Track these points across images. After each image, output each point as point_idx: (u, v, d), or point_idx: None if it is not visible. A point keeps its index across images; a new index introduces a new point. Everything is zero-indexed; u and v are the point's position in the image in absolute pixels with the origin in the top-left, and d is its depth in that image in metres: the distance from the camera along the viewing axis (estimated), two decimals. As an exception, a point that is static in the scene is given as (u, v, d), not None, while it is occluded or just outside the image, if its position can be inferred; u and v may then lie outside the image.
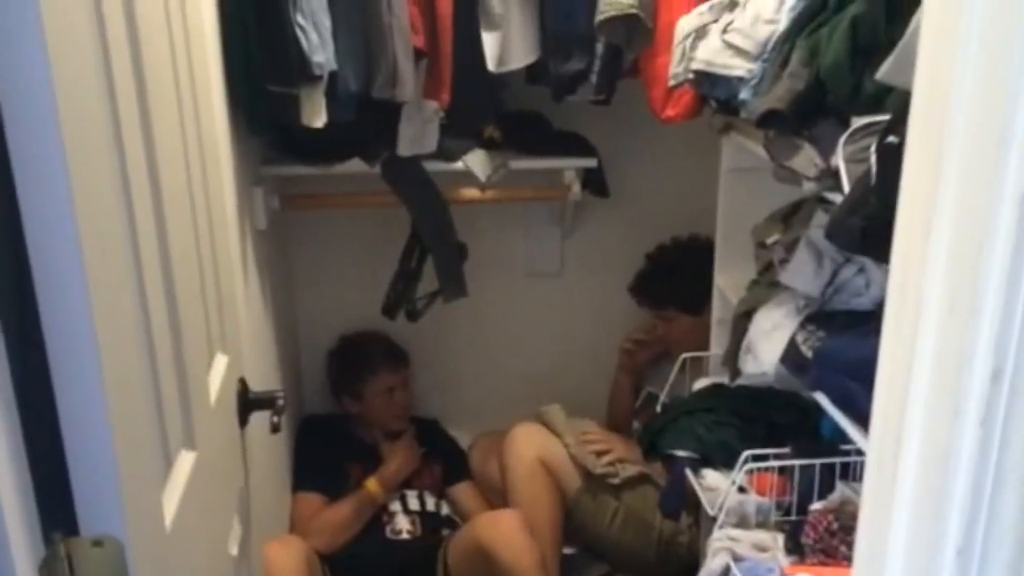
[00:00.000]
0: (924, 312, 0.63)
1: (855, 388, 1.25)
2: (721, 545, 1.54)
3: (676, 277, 2.29)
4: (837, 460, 1.57)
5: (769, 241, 1.68)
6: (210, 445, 1.04)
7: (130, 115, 0.83)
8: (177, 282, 0.96)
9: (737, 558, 1.50)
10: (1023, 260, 0.57)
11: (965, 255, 0.60)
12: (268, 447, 1.91)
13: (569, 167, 2.28)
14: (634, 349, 2.49)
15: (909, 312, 0.65)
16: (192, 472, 0.94)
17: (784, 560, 1.48)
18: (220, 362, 1.18)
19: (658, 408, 2.02)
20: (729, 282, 1.93)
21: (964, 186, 0.62)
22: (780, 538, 1.53)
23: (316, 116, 1.75)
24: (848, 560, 1.27)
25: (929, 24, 0.67)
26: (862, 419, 1.20)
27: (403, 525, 2.26)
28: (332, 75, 1.74)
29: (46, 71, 0.63)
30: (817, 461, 1.57)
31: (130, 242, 0.82)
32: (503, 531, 2.02)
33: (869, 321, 1.35)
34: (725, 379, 1.81)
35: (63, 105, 0.64)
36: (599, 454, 2.25)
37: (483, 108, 2.13)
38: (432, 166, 2.12)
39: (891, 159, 0.98)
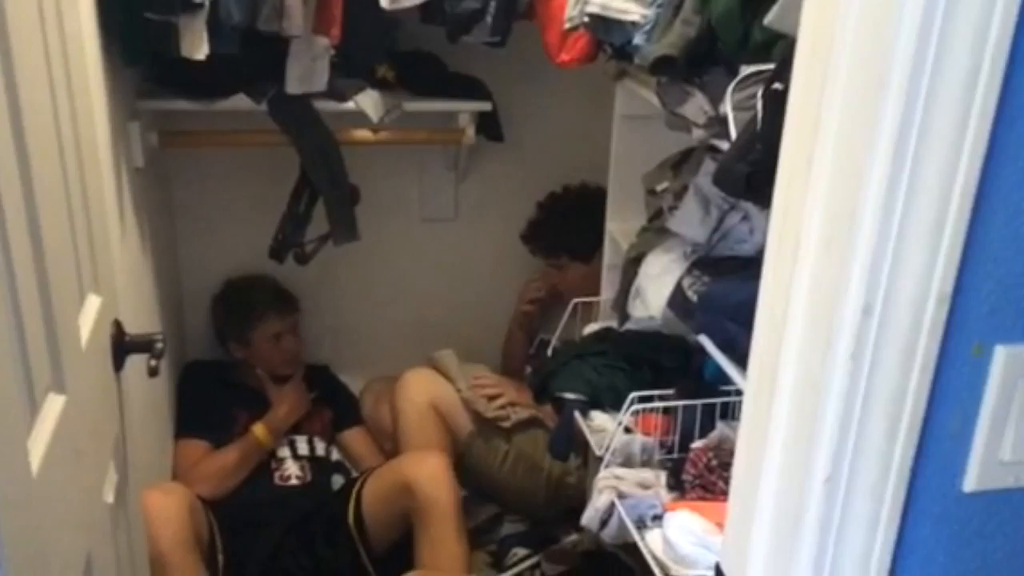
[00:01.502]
0: (802, 250, 0.65)
1: (736, 330, 1.29)
2: (606, 483, 1.58)
3: (567, 224, 2.31)
4: (718, 400, 1.63)
5: (659, 188, 1.71)
6: (81, 388, 0.99)
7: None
8: (42, 219, 0.90)
9: (622, 495, 1.54)
10: (895, 199, 0.60)
11: (842, 195, 0.62)
12: (147, 393, 1.85)
13: (464, 110, 2.25)
14: (532, 310, 2.49)
15: (788, 250, 0.67)
16: (61, 416, 0.90)
17: (666, 496, 1.54)
18: (92, 303, 1.12)
19: (549, 352, 2.05)
20: (620, 228, 1.96)
21: (843, 128, 0.64)
22: (663, 476, 1.58)
23: (197, 47, 1.66)
24: (725, 495, 1.32)
25: (815, -33, 0.68)
26: (742, 360, 1.24)
27: (292, 471, 2.23)
28: (214, 4, 1.65)
29: None
30: (699, 402, 1.63)
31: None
32: (430, 469, 2.01)
33: (751, 266, 1.39)
34: (615, 323, 1.85)
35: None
36: (491, 398, 2.27)
37: (376, 46, 2.07)
38: (322, 105, 2.05)
39: (777, 105, 1.01)
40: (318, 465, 2.28)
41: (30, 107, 0.87)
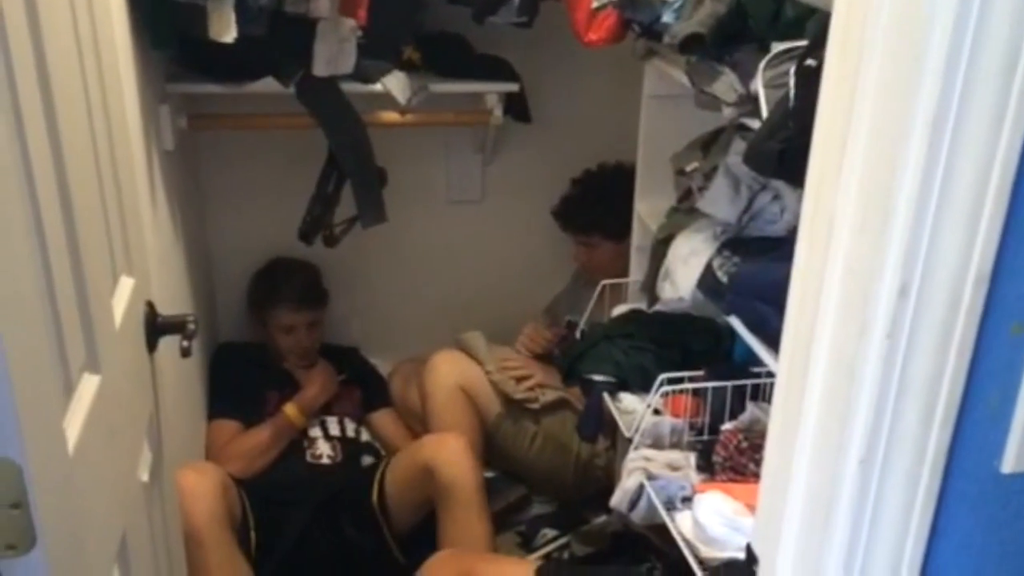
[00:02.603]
0: (836, 230, 0.64)
1: (767, 311, 1.28)
2: (636, 465, 1.57)
3: (601, 203, 2.29)
4: (748, 382, 1.62)
5: (688, 168, 1.69)
6: (115, 368, 1.01)
7: (18, 23, 0.77)
8: (75, 201, 0.90)
9: (651, 477, 1.54)
10: (933, 178, 0.58)
11: (878, 174, 0.61)
12: (180, 374, 1.87)
13: (491, 91, 2.23)
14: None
15: (821, 230, 0.66)
16: (96, 395, 0.91)
17: (695, 478, 1.53)
18: (125, 285, 1.13)
19: (577, 334, 2.04)
20: (649, 209, 1.94)
21: (879, 104, 0.63)
22: (692, 457, 1.58)
23: (225, 30, 1.67)
24: (756, 477, 1.32)
25: (851, -60, 0.67)
26: (773, 341, 1.23)
27: (324, 450, 2.25)
28: (242, -14, 1.65)
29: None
30: (729, 383, 1.62)
31: (20, 156, 0.76)
32: (449, 451, 2.02)
33: (782, 246, 1.37)
34: (643, 305, 1.84)
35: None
36: (519, 380, 2.27)
37: (402, 28, 2.06)
38: (349, 87, 2.04)
39: (809, 82, 0.99)
40: (348, 445, 2.30)
41: (61, 91, 0.88)
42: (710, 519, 1.38)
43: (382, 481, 2.11)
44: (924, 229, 0.59)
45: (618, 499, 1.59)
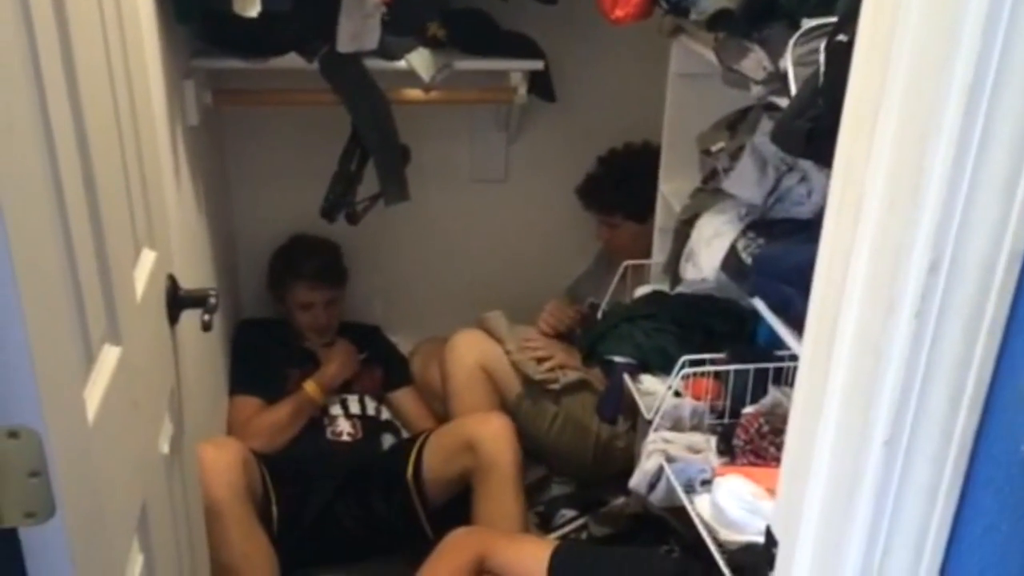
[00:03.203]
0: (865, 206, 0.63)
1: (792, 293, 1.26)
2: (655, 447, 1.57)
3: (626, 183, 2.27)
4: (771, 366, 1.60)
5: (714, 148, 1.67)
6: (137, 341, 1.01)
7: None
8: (97, 173, 0.90)
9: (670, 459, 1.53)
10: (967, 152, 0.57)
11: (909, 147, 0.60)
12: (202, 348, 1.88)
13: (515, 69, 2.22)
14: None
15: (850, 207, 0.64)
16: (117, 367, 0.91)
17: (715, 461, 1.52)
18: (147, 257, 1.14)
19: (599, 315, 2.03)
20: (674, 189, 1.92)
21: (912, 79, 0.61)
22: (713, 440, 1.57)
23: (249, 5, 1.67)
24: (777, 461, 1.31)
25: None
26: (797, 324, 1.21)
27: (344, 428, 2.27)
28: (266, -40, 1.65)
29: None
30: (751, 366, 1.60)
31: (43, 129, 0.76)
32: (493, 428, 2.05)
33: (808, 229, 1.35)
34: (666, 286, 1.83)
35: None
36: (540, 360, 2.26)
37: (427, 5, 2.05)
38: (373, 64, 2.04)
39: (840, 58, 0.97)
40: (369, 423, 2.31)
41: (84, 64, 0.88)
42: (730, 502, 1.37)
43: (418, 456, 2.12)
44: (956, 204, 0.57)
45: (637, 481, 1.58)
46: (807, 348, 0.73)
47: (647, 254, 2.06)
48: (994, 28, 0.55)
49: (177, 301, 1.24)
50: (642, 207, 2.14)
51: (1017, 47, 0.55)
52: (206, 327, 1.25)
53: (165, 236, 1.26)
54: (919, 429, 0.61)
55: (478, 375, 2.26)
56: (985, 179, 0.56)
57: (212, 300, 1.26)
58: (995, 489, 0.67)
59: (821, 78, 1.05)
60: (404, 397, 2.45)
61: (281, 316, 2.44)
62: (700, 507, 1.43)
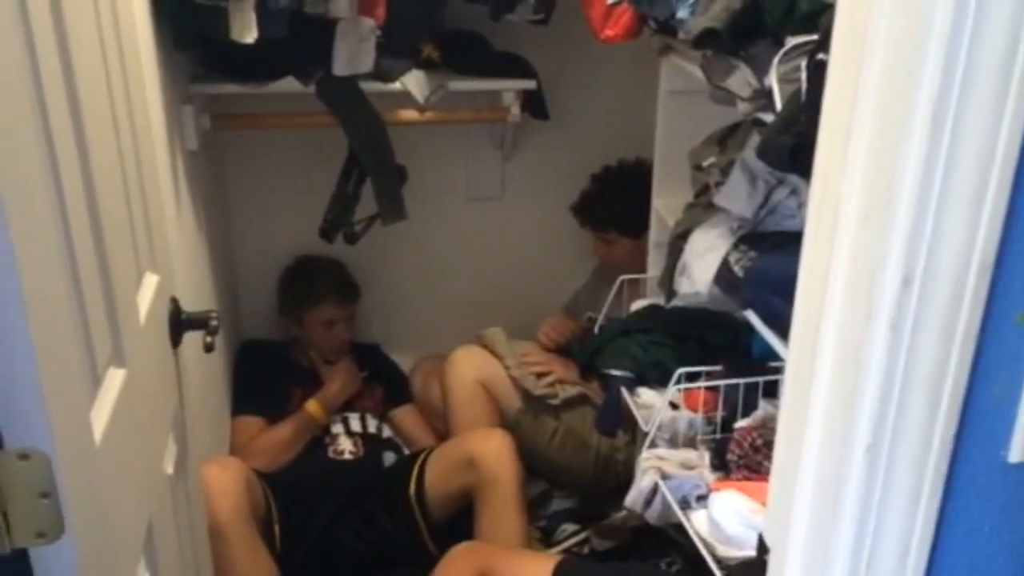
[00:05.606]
0: (841, 220, 0.65)
1: (782, 305, 1.28)
2: (649, 464, 1.58)
3: (620, 199, 2.30)
4: (764, 379, 1.62)
5: (705, 164, 1.70)
6: (141, 363, 1.03)
7: (43, 26, 0.79)
8: (100, 197, 0.93)
9: (665, 476, 1.54)
10: (934, 169, 0.59)
11: (881, 164, 0.62)
12: (204, 369, 1.90)
13: (508, 89, 2.25)
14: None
15: (827, 220, 0.67)
16: (122, 389, 0.93)
17: (710, 476, 1.53)
18: (150, 281, 1.16)
19: (596, 330, 2.05)
20: (667, 205, 1.95)
21: (881, 97, 0.64)
22: (706, 456, 1.58)
23: (246, 31, 1.69)
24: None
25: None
26: (788, 335, 1.23)
27: (345, 446, 2.28)
28: (262, -12, 1.68)
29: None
30: (744, 380, 1.62)
31: (46, 153, 0.79)
32: (494, 445, 2.06)
33: (798, 241, 1.37)
34: (661, 300, 1.85)
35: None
36: (539, 376, 2.28)
37: (420, 26, 2.08)
38: (369, 86, 2.07)
39: (821, 76, 1.00)
40: (370, 441, 2.33)
41: (87, 92, 0.90)
42: (726, 518, 1.38)
43: (420, 473, 2.14)
44: (927, 219, 0.59)
45: (632, 498, 1.59)
46: (791, 358, 0.76)
47: (642, 269, 2.08)
48: (957, 48, 0.58)
49: (179, 323, 1.26)
50: (636, 223, 2.17)
51: (979, 65, 0.58)
52: (208, 348, 1.27)
53: (167, 260, 1.28)
54: (900, 435, 0.64)
55: (478, 391, 2.28)
56: (953, 194, 0.59)
57: (214, 322, 1.28)
58: (977, 492, 0.69)
59: (803, 95, 1.08)
60: (405, 415, 2.47)
61: (283, 336, 2.46)
62: (697, 523, 1.45)
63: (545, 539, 2.26)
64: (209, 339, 1.27)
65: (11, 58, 0.71)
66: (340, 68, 1.99)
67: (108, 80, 1.02)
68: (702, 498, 1.48)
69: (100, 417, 0.87)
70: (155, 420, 1.14)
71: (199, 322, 1.29)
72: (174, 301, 1.27)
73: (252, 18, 1.68)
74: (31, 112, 0.75)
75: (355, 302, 2.44)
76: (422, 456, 2.18)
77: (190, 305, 1.35)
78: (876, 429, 0.64)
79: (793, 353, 0.74)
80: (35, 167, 0.76)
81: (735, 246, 1.51)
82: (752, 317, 1.40)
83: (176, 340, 1.26)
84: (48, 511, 0.72)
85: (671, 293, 1.71)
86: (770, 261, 1.39)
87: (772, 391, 1.63)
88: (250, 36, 1.70)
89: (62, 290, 0.80)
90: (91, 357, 0.87)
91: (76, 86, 0.87)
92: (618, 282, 2.06)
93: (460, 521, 2.09)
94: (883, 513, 0.67)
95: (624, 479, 2.16)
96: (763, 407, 1.56)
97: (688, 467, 1.56)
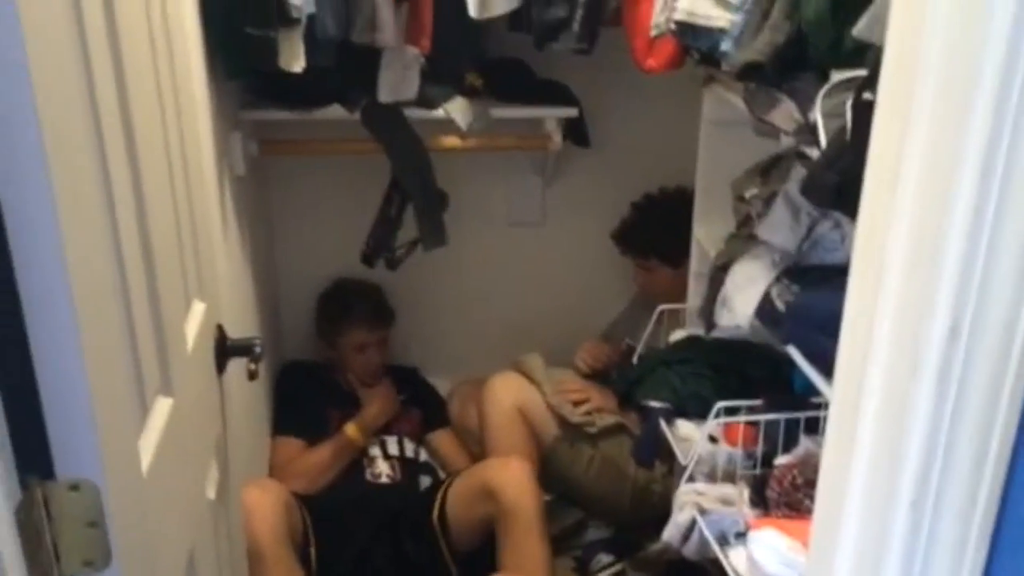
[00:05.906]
0: (887, 268, 0.64)
1: (826, 342, 1.25)
2: (687, 499, 1.56)
3: (661, 228, 2.30)
4: (804, 415, 1.59)
5: (747, 195, 1.68)
6: (187, 391, 1.05)
7: (101, 58, 0.82)
8: (152, 228, 0.95)
9: (703, 511, 1.52)
10: (983, 217, 0.58)
11: (929, 211, 0.61)
12: (247, 393, 1.92)
13: (551, 116, 2.27)
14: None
15: (873, 267, 0.66)
16: (169, 418, 0.95)
17: (749, 513, 1.51)
18: (197, 309, 1.18)
19: (635, 359, 2.04)
20: (708, 235, 1.94)
21: (930, 142, 0.63)
22: (746, 491, 1.56)
23: (295, 60, 1.73)
24: (811, 513, 1.30)
25: (901, -18, 0.67)
26: (831, 373, 1.21)
27: (383, 469, 2.29)
28: (311, 18, 1.72)
29: (12, 5, 0.62)
30: (784, 415, 1.60)
31: (103, 186, 0.81)
32: (512, 474, 2.04)
33: (843, 275, 1.36)
34: (701, 331, 1.84)
35: (31, 44, 0.63)
36: (576, 403, 2.28)
37: (464, 55, 2.10)
38: (413, 113, 2.10)
39: (866, 116, 0.99)
40: (407, 465, 2.34)
41: (141, 122, 0.93)
42: (765, 556, 1.36)
43: (444, 499, 2.14)
44: (975, 269, 0.59)
45: (670, 533, 1.58)
46: (835, 405, 0.75)
47: (682, 298, 2.07)
48: (1008, 91, 0.57)
49: (225, 350, 1.28)
50: (677, 252, 2.16)
51: (1031, 114, 0.57)
52: (252, 376, 1.29)
53: (214, 287, 1.30)
54: (945, 490, 0.62)
55: (515, 417, 2.27)
56: (1003, 244, 0.58)
57: (257, 349, 1.30)
58: (1022, 550, 0.67)
59: (848, 134, 1.07)
60: (442, 439, 2.47)
61: (324, 359, 2.49)
62: (735, 561, 1.43)
63: (580, 569, 2.24)
64: (253, 366, 1.29)
65: (70, 89, 0.73)
66: (385, 95, 2.03)
67: (162, 110, 1.05)
68: (741, 535, 1.45)
69: (147, 446, 0.88)
70: (199, 446, 1.16)
71: (244, 349, 1.31)
72: (220, 328, 1.29)
73: (301, 48, 1.72)
74: (88, 141, 0.78)
75: (388, 327, 2.46)
76: (446, 482, 2.19)
77: (234, 329, 1.37)
78: (921, 483, 0.63)
79: (836, 400, 0.74)
80: (90, 196, 0.78)
81: (777, 279, 1.49)
82: (794, 353, 1.38)
83: (221, 367, 1.28)
84: (96, 540, 0.74)
85: (711, 324, 1.70)
86: (814, 296, 1.37)
87: (814, 427, 1.60)
88: (298, 65, 1.74)
89: (114, 321, 0.82)
90: (140, 387, 0.88)
91: (131, 115, 0.90)
92: (657, 311, 2.05)
93: (485, 548, 2.08)
94: (927, 568, 0.66)
95: (661, 511, 2.14)
96: (804, 443, 1.54)
97: (727, 502, 1.54)
